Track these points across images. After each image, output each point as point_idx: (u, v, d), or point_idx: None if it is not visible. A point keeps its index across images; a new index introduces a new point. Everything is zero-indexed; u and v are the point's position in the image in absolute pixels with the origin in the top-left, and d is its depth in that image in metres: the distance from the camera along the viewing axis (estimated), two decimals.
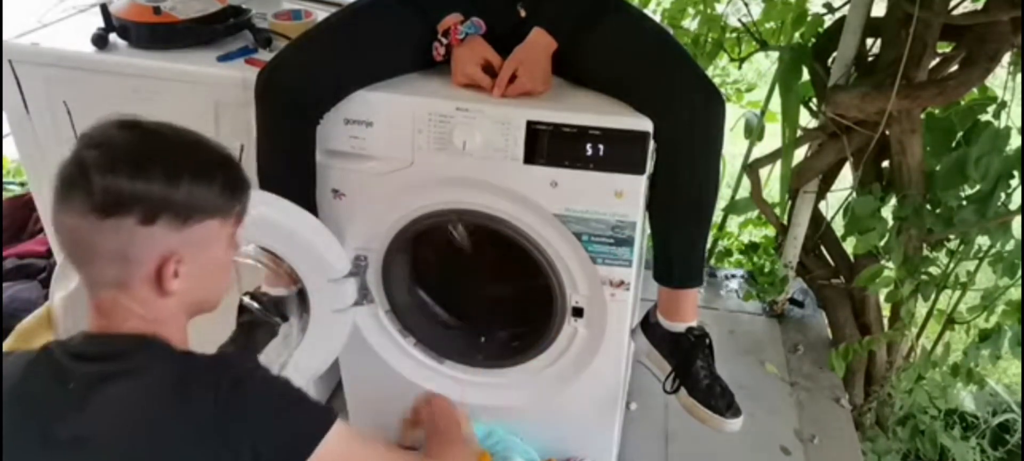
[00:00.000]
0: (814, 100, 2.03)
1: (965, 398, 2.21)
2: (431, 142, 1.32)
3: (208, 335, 1.23)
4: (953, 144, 1.75)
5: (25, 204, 2.29)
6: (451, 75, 1.35)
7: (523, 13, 1.37)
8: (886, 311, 2.12)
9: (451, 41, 1.33)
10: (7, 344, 1.26)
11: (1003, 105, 1.69)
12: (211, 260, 0.88)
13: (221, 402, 0.82)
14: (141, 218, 0.79)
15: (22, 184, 2.62)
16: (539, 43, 1.31)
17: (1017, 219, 1.70)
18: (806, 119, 2.07)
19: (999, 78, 1.78)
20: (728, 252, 2.69)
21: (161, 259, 0.82)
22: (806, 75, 1.96)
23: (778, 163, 2.04)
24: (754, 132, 2.21)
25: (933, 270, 1.86)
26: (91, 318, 0.87)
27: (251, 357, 0.90)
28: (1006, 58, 1.70)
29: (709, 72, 2.37)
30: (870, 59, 1.89)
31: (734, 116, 2.27)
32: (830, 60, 1.91)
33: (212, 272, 0.90)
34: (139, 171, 0.79)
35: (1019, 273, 1.72)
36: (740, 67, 2.51)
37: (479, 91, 1.33)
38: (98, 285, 0.84)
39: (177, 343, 0.88)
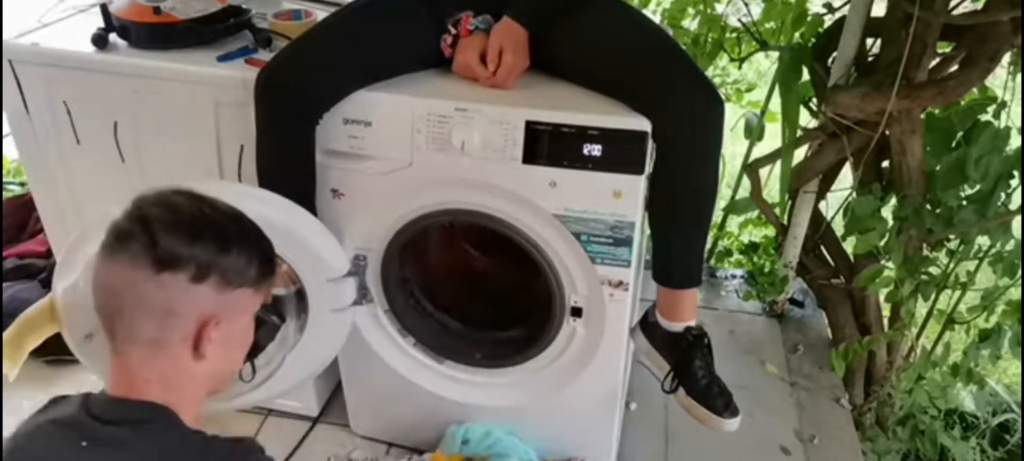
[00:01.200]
0: (814, 100, 2.03)
1: (965, 398, 2.21)
2: (430, 142, 1.32)
3: None
4: (953, 144, 1.75)
5: (25, 204, 2.29)
6: (454, 66, 1.37)
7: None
8: (886, 311, 2.12)
9: (461, 32, 1.35)
10: (8, 335, 1.26)
11: (1003, 105, 1.69)
12: (239, 329, 0.95)
13: None
14: (193, 276, 0.85)
15: (22, 184, 2.62)
16: (512, 27, 1.33)
17: (1017, 219, 1.69)
18: (806, 119, 2.07)
19: (999, 78, 1.78)
20: (728, 252, 2.69)
21: (204, 318, 0.87)
22: (806, 75, 1.96)
23: (778, 163, 2.04)
24: (754, 132, 2.21)
25: (933, 270, 1.86)
26: (114, 382, 0.89)
27: (259, 447, 0.95)
28: (1006, 58, 1.69)
29: (709, 72, 2.37)
30: (870, 59, 1.89)
31: (734, 116, 2.28)
32: (830, 60, 1.90)
33: (238, 342, 0.96)
34: (198, 233, 0.86)
35: (1019, 273, 1.72)
36: (740, 67, 2.50)
37: (476, 83, 1.34)
38: (132, 341, 0.87)
39: (190, 421, 0.90)
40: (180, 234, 0.85)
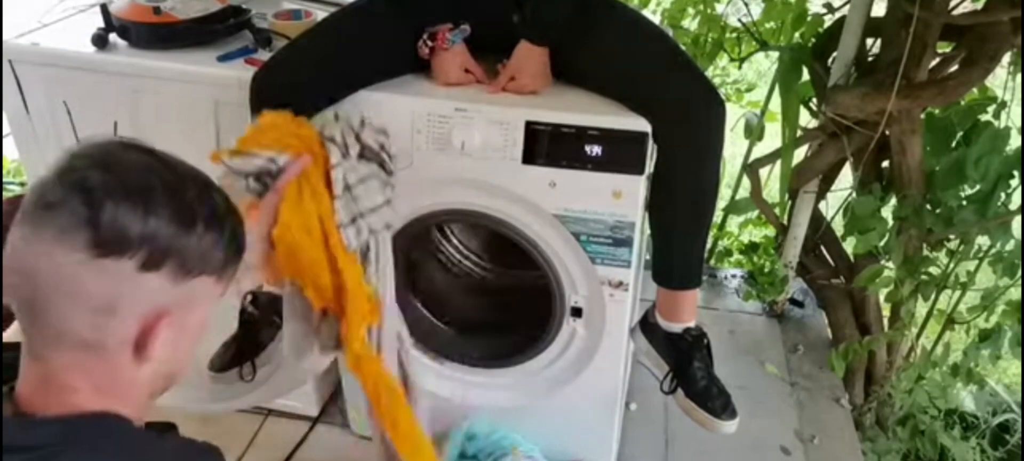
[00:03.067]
0: (814, 100, 2.03)
1: (965, 398, 2.21)
2: (430, 142, 1.32)
3: (211, 335, 1.24)
4: (953, 144, 1.75)
5: None
6: (433, 76, 1.36)
7: (516, 18, 1.37)
8: (886, 311, 2.12)
9: (437, 45, 1.33)
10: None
11: (1003, 105, 1.69)
12: (194, 323, 0.74)
13: None
14: (143, 262, 0.65)
15: (22, 184, 2.62)
16: (530, 52, 1.31)
17: (1017, 219, 1.70)
18: (806, 119, 2.07)
19: (999, 78, 1.78)
20: (728, 252, 2.69)
21: (152, 315, 0.68)
22: (806, 75, 1.96)
23: (778, 163, 2.04)
24: (754, 132, 2.21)
25: (933, 270, 1.86)
26: (26, 389, 0.68)
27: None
28: (1006, 58, 1.69)
29: (709, 72, 2.37)
30: (870, 59, 1.89)
31: (734, 116, 2.27)
32: (830, 60, 1.90)
33: (190, 338, 0.75)
34: (154, 205, 0.65)
35: (1019, 273, 1.72)
36: (740, 67, 2.51)
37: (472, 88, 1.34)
38: (56, 342, 0.66)
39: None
40: (131, 206, 0.64)
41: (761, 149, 2.18)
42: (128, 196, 0.64)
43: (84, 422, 0.67)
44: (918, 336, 2.06)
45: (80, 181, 0.64)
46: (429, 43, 1.33)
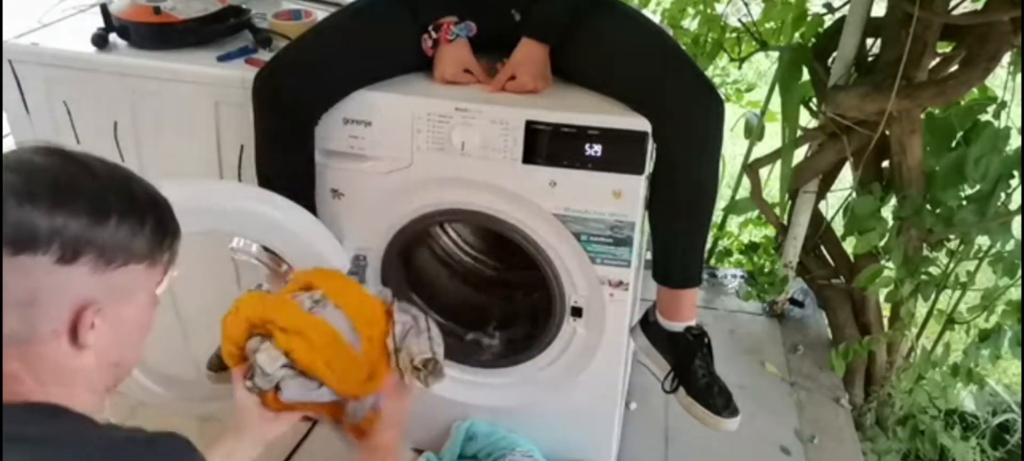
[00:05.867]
0: (814, 100, 2.03)
1: (965, 398, 2.21)
2: (430, 142, 1.32)
3: (211, 335, 1.24)
4: (953, 144, 1.75)
5: None
6: (433, 71, 1.36)
7: (517, 17, 1.37)
8: (886, 311, 2.12)
9: (441, 38, 1.33)
10: None
11: (1003, 105, 1.69)
12: (132, 314, 0.77)
13: None
14: (59, 256, 0.68)
15: None
16: (531, 50, 1.32)
17: (1017, 219, 1.70)
18: (806, 119, 2.07)
19: (999, 78, 1.78)
20: (728, 252, 2.69)
21: (78, 307, 0.71)
22: (806, 75, 1.96)
23: (778, 163, 2.04)
24: (754, 132, 2.21)
25: (933, 270, 1.86)
26: None
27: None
28: (1006, 58, 1.70)
29: (709, 72, 2.37)
30: (870, 59, 1.89)
31: (734, 116, 2.27)
32: (830, 60, 1.91)
33: (132, 329, 0.79)
34: (62, 201, 0.69)
35: (1019, 273, 1.72)
36: (740, 67, 2.51)
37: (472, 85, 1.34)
38: None
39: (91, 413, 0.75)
40: (38, 203, 0.67)
41: (761, 149, 2.18)
42: (34, 194, 0.67)
43: (38, 411, 0.71)
44: (918, 336, 2.06)
45: None
46: (434, 34, 1.34)
